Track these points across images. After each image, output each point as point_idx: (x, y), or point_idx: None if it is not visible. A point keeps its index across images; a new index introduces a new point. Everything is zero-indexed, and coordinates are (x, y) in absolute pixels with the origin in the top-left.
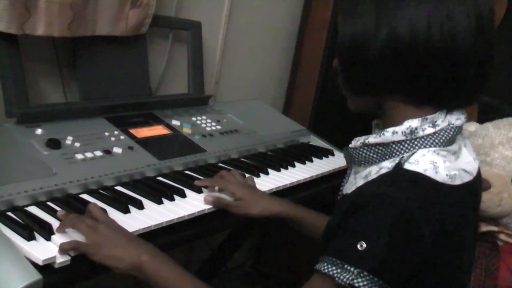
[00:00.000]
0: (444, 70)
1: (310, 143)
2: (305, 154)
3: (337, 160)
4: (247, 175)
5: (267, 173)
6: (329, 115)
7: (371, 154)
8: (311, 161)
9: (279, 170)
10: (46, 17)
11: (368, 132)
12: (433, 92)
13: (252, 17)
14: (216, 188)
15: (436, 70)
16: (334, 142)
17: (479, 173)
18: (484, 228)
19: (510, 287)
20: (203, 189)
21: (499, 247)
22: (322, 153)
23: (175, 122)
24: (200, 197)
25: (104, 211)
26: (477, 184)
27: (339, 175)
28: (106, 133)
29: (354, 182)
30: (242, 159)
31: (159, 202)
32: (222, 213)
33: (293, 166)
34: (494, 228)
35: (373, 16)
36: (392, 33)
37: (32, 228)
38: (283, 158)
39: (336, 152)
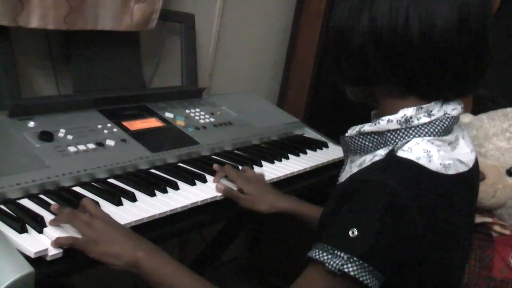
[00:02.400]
0: (423, 62)
1: (304, 135)
2: (299, 146)
3: (331, 152)
4: (258, 171)
5: (260, 165)
6: (323, 107)
7: (366, 143)
8: (305, 153)
9: (272, 162)
10: (40, 9)
11: (363, 123)
12: (415, 84)
13: (246, 9)
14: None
15: (415, 62)
16: (328, 134)
17: (476, 165)
18: (479, 219)
19: (504, 278)
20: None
21: (493, 238)
22: (316, 145)
23: (169, 115)
24: (193, 189)
25: (97, 203)
26: (473, 176)
27: (333, 167)
28: (99, 126)
29: (349, 171)
30: (235, 151)
31: (152, 194)
32: (216, 205)
33: (287, 158)
34: (488, 219)
35: (357, 4)
36: (372, 22)
37: (24, 220)
38: (277, 150)
39: (330, 144)
